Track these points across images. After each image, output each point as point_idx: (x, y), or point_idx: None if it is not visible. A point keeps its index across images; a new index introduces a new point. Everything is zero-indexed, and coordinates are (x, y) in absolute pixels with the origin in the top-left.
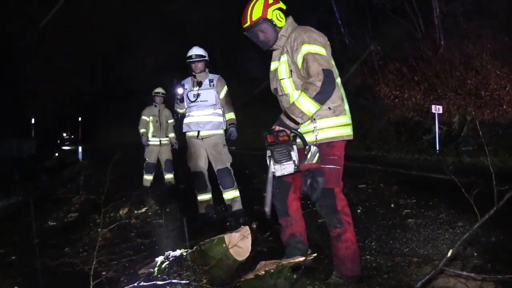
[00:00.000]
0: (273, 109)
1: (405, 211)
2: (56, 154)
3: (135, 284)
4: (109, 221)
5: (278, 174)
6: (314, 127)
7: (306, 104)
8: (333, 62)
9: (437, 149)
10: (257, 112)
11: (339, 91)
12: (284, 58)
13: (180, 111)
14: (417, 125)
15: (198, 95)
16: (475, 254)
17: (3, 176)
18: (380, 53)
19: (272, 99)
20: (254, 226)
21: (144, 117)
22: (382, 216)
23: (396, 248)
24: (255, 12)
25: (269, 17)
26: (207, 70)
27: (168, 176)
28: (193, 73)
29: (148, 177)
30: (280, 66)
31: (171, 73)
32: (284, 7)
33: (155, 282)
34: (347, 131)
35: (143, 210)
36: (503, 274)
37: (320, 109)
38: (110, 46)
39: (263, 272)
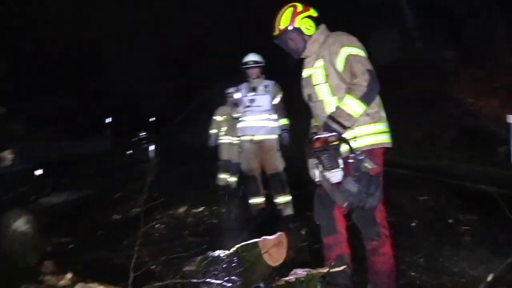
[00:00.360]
0: None
1: (463, 228)
2: (130, 152)
3: (173, 281)
4: (165, 219)
5: (333, 180)
6: (354, 134)
7: (353, 105)
8: None
9: None
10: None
11: (377, 103)
12: (320, 63)
13: (235, 115)
14: (492, 136)
15: (253, 100)
16: None
17: (78, 172)
18: (455, 58)
19: None
20: (303, 232)
21: (216, 117)
22: (437, 232)
23: (445, 267)
24: (284, 21)
25: (297, 25)
26: (263, 76)
27: (232, 178)
28: (248, 80)
29: (223, 176)
30: (315, 72)
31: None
32: (315, 14)
33: (190, 280)
34: (385, 138)
35: (201, 209)
36: None
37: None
38: (189, 48)
39: (293, 279)
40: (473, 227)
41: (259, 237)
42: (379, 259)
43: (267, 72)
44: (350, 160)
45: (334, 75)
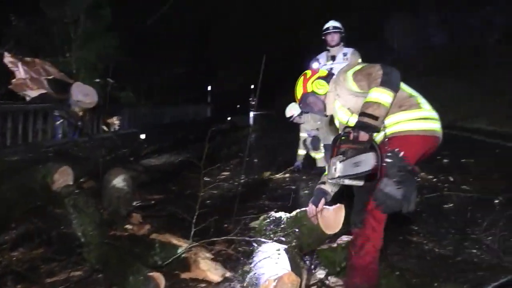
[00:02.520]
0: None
1: None
2: (229, 118)
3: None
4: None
5: (363, 170)
6: (384, 125)
7: (376, 94)
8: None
9: None
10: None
11: (404, 93)
12: (337, 104)
13: None
14: None
15: (331, 69)
16: None
17: (179, 137)
18: None
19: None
20: None
21: None
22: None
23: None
24: (298, 90)
25: (309, 90)
26: (342, 43)
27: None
28: (328, 48)
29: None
30: (338, 115)
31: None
32: (324, 74)
33: (244, 237)
34: (423, 126)
35: (282, 175)
36: None
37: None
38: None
39: (335, 245)
40: None
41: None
42: (354, 250)
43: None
44: (387, 159)
45: (352, 100)
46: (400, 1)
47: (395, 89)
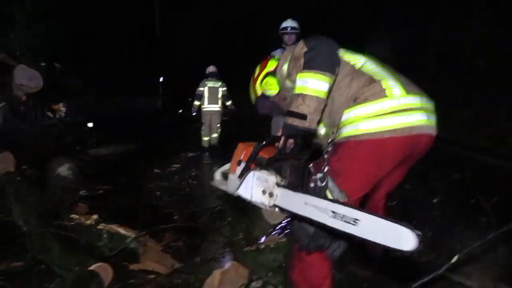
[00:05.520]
0: None
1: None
2: (180, 111)
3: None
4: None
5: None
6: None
7: (299, 82)
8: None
9: None
10: None
11: (363, 77)
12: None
13: None
14: None
15: None
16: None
17: (128, 127)
18: None
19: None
20: None
21: None
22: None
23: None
24: (251, 94)
25: (259, 92)
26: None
27: None
28: (283, 46)
29: None
30: None
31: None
32: (273, 66)
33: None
34: (392, 122)
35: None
36: None
37: (337, 103)
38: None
39: (263, 246)
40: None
41: None
42: (295, 262)
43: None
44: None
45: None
46: None
47: (327, 68)
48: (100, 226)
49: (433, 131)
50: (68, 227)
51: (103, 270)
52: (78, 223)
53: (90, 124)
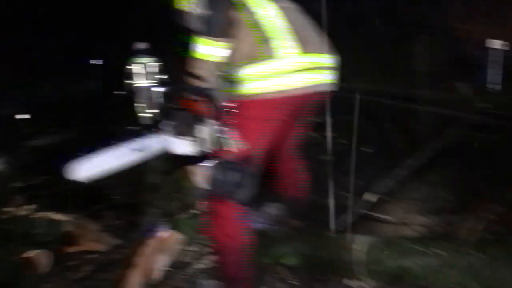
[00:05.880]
0: None
1: None
2: (121, 92)
3: None
4: None
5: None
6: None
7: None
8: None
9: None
10: None
11: (260, 34)
12: None
13: None
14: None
15: None
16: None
17: (65, 115)
18: None
19: None
20: None
21: None
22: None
23: None
24: None
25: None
26: None
27: None
28: None
29: None
30: None
31: None
32: None
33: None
34: (275, 83)
35: None
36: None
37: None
38: None
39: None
40: None
41: None
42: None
43: None
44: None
45: None
46: None
47: (210, 31)
48: (39, 215)
49: (324, 88)
50: (3, 220)
51: (41, 257)
52: (13, 215)
53: (19, 116)
